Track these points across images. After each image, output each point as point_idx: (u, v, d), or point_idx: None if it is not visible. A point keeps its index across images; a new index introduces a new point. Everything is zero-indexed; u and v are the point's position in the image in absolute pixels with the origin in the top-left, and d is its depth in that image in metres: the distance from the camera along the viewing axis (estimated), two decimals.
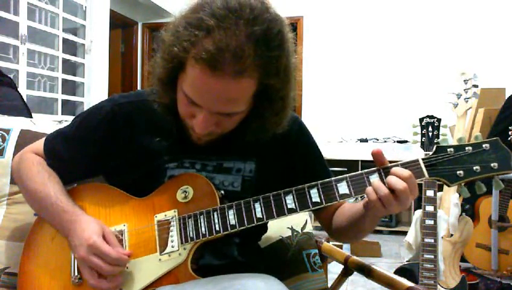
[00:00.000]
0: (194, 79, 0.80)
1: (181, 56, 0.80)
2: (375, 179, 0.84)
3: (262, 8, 0.79)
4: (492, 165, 0.82)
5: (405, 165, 0.84)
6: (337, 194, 0.85)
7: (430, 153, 0.86)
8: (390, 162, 0.85)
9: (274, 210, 0.87)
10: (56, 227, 0.96)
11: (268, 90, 0.83)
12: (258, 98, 0.85)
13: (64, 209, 0.94)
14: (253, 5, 0.78)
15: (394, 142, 4.38)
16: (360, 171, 0.85)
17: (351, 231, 0.98)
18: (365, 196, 0.83)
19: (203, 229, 0.89)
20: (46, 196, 0.96)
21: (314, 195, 0.86)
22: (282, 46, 0.81)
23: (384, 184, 0.80)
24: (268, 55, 0.78)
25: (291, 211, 0.86)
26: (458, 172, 0.83)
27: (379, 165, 0.85)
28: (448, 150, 0.84)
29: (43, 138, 1.06)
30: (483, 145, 0.83)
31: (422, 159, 0.84)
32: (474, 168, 0.83)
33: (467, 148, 0.84)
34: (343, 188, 0.85)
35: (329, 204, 0.86)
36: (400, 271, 2.01)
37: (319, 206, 0.86)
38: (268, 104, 0.86)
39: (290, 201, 0.87)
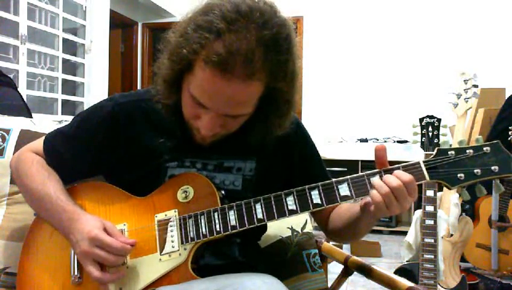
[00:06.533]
0: (204, 81, 0.80)
1: (190, 58, 0.80)
2: (375, 180, 0.84)
3: (271, 12, 0.80)
4: (492, 168, 0.82)
5: (406, 167, 0.84)
6: (338, 195, 0.85)
7: (431, 153, 0.86)
8: (391, 162, 0.85)
9: (275, 211, 0.87)
10: (56, 226, 0.96)
11: (275, 93, 0.84)
12: (264, 100, 0.86)
13: (64, 209, 0.94)
14: (262, 9, 0.79)
15: (394, 142, 4.38)
16: (361, 173, 0.85)
17: (348, 232, 1.00)
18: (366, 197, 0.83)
19: (203, 229, 0.89)
20: (46, 195, 0.96)
21: (315, 196, 0.86)
22: (290, 50, 0.82)
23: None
24: (277, 59, 0.79)
25: (292, 212, 0.86)
26: (459, 175, 0.84)
27: (378, 161, 0.85)
28: (449, 152, 0.85)
29: (42, 137, 1.06)
30: (484, 148, 0.84)
31: (424, 162, 0.84)
32: (475, 171, 0.83)
33: (467, 151, 0.84)
34: (344, 189, 0.85)
35: (330, 206, 0.86)
36: (400, 271, 2.01)
37: (319, 208, 0.86)
38: (274, 106, 0.87)
39: (290, 202, 0.87)
